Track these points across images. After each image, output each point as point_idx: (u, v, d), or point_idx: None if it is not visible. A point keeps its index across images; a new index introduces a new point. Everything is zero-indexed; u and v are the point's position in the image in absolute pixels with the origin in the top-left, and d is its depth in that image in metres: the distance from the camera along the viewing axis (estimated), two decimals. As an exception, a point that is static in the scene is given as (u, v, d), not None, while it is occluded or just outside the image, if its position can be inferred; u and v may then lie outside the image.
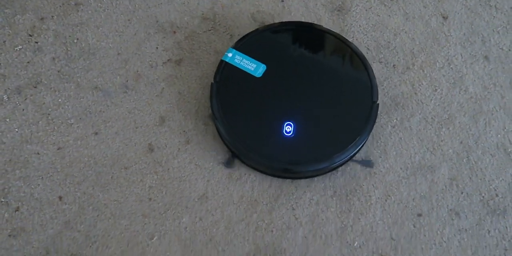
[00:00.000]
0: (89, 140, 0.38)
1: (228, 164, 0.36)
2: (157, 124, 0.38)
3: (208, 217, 0.34)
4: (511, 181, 0.34)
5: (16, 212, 0.36)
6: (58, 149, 0.38)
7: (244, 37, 0.37)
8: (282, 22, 0.38)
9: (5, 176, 0.37)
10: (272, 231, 0.34)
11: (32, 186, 0.36)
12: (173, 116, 0.38)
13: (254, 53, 0.36)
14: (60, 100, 0.40)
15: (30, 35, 0.43)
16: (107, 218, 0.35)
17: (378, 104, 0.34)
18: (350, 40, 0.39)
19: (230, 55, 0.36)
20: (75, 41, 0.42)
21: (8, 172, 0.37)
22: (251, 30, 0.40)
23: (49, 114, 0.39)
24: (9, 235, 0.35)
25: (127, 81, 0.40)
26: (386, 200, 0.33)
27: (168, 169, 0.36)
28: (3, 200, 0.36)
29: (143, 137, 0.38)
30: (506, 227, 0.32)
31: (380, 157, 0.35)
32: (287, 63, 0.36)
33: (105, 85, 0.40)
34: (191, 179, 0.36)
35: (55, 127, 0.39)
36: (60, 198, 0.36)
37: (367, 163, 0.34)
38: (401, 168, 0.34)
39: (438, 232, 0.32)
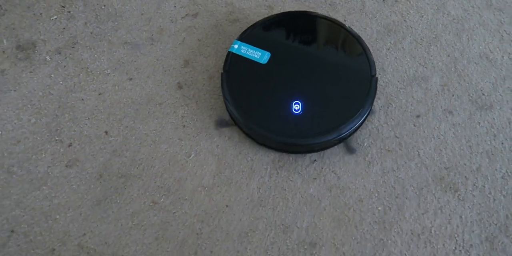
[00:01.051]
0: (125, 85, 0.46)
1: (222, 124, 0.40)
2: (183, 66, 0.46)
3: (235, 136, 0.41)
4: (494, 82, 0.40)
5: (70, 147, 0.43)
6: (99, 94, 0.45)
7: (247, 29, 0.42)
8: (278, 14, 0.43)
9: (56, 120, 0.44)
10: (292, 141, 0.40)
11: (81, 126, 0.44)
12: (196, 58, 0.46)
13: (258, 42, 0.41)
14: (96, 55, 0.48)
15: (63, 6, 0.51)
16: (148, 144, 0.42)
17: (377, 77, 0.39)
18: (343, -17, 0.47)
19: (236, 46, 0.41)
20: (103, 7, 0.51)
21: (58, 116, 0.44)
22: (256, -15, 0.48)
23: (87, 68, 0.47)
24: (66, 166, 0.42)
25: (152, 35, 0.48)
26: (388, 107, 0.40)
27: (197, 101, 0.44)
28: (57, 138, 0.43)
29: (171, 78, 0.45)
30: (493, 118, 0.39)
31: (379, 74, 0.42)
32: (289, 49, 0.40)
33: (134, 40, 0.48)
34: (217, 107, 0.43)
35: (94, 77, 0.46)
36: (106, 132, 0.43)
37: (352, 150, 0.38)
38: (398, 81, 0.41)
39: (435, 128, 0.39)
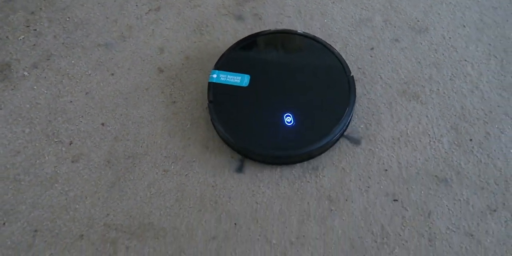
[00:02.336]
0: (109, 80, 0.53)
1: (240, 170, 0.44)
2: (159, 53, 0.54)
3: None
4: (424, 10, 0.52)
5: (71, 145, 0.49)
6: (86, 93, 0.53)
7: (221, 57, 0.46)
8: (245, 37, 0.48)
9: (50, 125, 0.51)
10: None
11: (76, 124, 0.50)
12: (170, 44, 0.55)
13: (235, 67, 0.45)
14: (73, 61, 0.55)
15: (28, 26, 0.59)
16: (146, 125, 0.49)
17: (353, 76, 0.44)
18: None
19: (215, 76, 0.45)
20: (68, 19, 0.59)
21: (51, 121, 0.51)
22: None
23: (68, 74, 0.54)
24: (72, 161, 0.48)
25: (122, 33, 0.57)
26: (346, 47, 0.51)
27: (180, 79, 0.52)
28: (56, 140, 0.50)
29: (151, 65, 0.53)
30: (431, 37, 0.50)
31: (331, 23, 0.53)
32: (266, 67, 0.45)
33: (106, 41, 0.56)
34: (200, 81, 0.52)
35: (77, 80, 0.54)
36: (103, 124, 0.50)
37: (356, 140, 0.44)
38: (348, 26, 0.52)
39: (388, 54, 0.49)
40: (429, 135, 0.43)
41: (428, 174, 0.42)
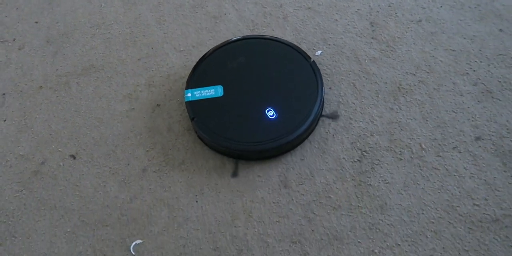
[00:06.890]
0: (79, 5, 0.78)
1: (235, 174, 0.51)
2: (67, -30, 0.81)
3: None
4: None
5: (14, 40, 0.72)
6: (16, 9, 0.77)
7: (189, 77, 0.54)
8: (203, 55, 0.56)
9: (29, 31, 0.74)
10: None
11: (14, 27, 0.72)
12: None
13: (205, 82, 0.53)
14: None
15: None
16: (68, 13, 0.73)
17: (314, 60, 0.53)
18: None
19: (189, 95, 0.52)
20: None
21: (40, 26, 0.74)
22: None
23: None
24: (19, 49, 0.70)
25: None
26: None
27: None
28: (1, 40, 0.73)
29: (63, -22, 0.80)
30: None
31: None
32: (234, 74, 0.53)
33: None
34: (104, -22, 0.78)
35: (42, 8, 0.78)
36: (36, 22, 0.73)
37: (334, 115, 0.54)
38: None
39: None
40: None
41: None
